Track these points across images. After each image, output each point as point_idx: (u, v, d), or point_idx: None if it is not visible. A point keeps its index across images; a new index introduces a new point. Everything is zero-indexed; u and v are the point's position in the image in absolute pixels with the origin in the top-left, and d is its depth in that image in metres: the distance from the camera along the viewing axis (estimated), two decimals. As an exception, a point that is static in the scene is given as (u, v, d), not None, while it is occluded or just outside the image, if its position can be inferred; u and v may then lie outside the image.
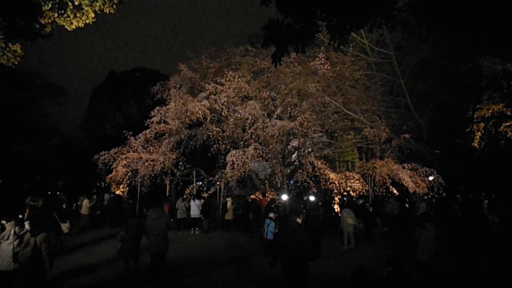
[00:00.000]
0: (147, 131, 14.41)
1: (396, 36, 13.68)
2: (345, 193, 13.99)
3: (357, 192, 13.93)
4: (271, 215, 8.93)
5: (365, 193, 14.25)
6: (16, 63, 7.49)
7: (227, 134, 14.66)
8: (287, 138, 15.24)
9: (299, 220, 4.69)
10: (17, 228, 5.55)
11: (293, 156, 16.25)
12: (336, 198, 13.90)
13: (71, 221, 9.40)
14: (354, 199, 13.29)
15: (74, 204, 13.88)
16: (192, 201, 13.19)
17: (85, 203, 13.18)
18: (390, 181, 13.57)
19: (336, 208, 13.49)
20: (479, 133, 16.17)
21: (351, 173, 14.51)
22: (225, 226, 13.09)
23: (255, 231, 12.12)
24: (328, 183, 13.83)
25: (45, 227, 5.91)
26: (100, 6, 7.27)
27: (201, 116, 13.69)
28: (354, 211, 10.22)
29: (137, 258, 6.66)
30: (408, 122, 15.62)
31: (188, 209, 13.29)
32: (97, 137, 28.59)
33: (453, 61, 14.75)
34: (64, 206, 13.84)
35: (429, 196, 15.02)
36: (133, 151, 14.03)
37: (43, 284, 5.98)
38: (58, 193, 18.99)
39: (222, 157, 13.97)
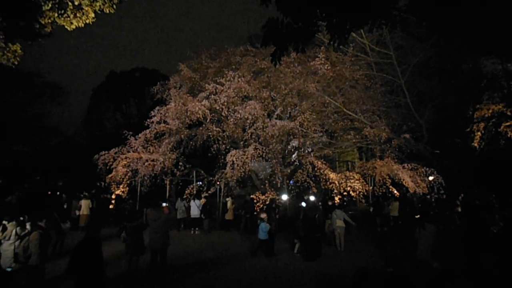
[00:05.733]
0: (147, 131, 14.38)
1: (396, 36, 13.67)
2: (345, 193, 13.98)
3: (357, 192, 13.92)
4: (263, 215, 8.96)
5: (365, 193, 14.24)
6: (16, 63, 7.49)
7: (227, 134, 14.64)
8: (287, 138, 15.22)
9: None
10: (18, 228, 5.56)
11: (293, 156, 16.23)
12: (336, 198, 13.86)
13: (71, 221, 9.41)
14: (326, 198, 13.23)
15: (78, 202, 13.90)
16: (192, 201, 13.19)
17: (85, 203, 13.16)
18: (390, 181, 13.57)
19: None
20: (479, 133, 16.12)
21: (351, 173, 14.50)
22: (225, 226, 13.09)
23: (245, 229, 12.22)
24: (328, 183, 13.81)
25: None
26: (100, 6, 7.27)
27: (201, 116, 13.66)
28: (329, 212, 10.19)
29: (142, 253, 6.89)
30: (408, 122, 15.60)
31: (188, 209, 13.28)
32: (97, 137, 28.51)
33: (453, 61, 14.73)
34: (65, 206, 13.85)
35: (429, 196, 14.99)
36: (133, 151, 14.01)
37: (44, 284, 5.99)
38: (58, 193, 19.00)
39: (222, 157, 13.95)
